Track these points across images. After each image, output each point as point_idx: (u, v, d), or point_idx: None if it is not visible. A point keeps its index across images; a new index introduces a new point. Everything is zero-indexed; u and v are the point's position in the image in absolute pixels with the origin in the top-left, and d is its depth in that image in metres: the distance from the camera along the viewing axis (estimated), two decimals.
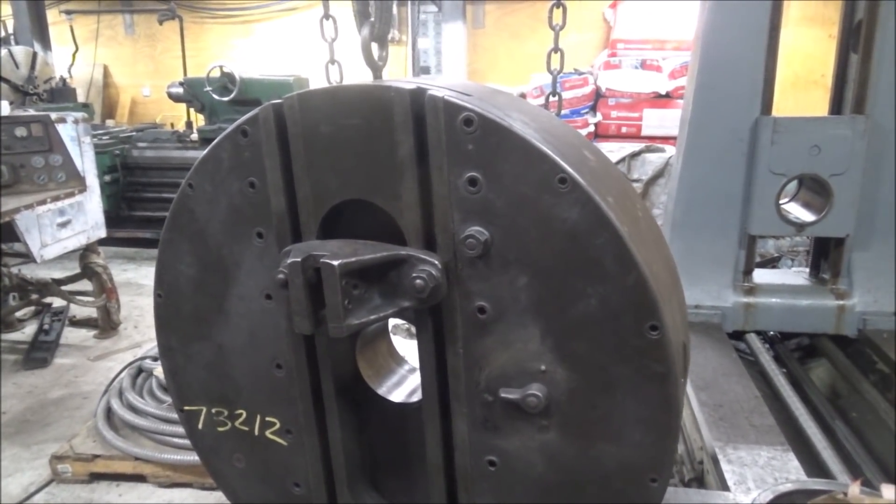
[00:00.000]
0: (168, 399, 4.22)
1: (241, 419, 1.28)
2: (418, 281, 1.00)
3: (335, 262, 0.96)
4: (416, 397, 1.25)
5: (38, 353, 5.80)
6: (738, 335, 3.61)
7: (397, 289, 1.03)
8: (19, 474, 4.27)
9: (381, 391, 1.26)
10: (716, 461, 2.37)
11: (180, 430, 3.94)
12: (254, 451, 1.30)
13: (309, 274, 1.01)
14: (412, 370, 1.34)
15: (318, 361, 1.19)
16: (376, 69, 1.30)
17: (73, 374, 5.59)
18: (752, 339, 3.59)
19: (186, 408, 1.32)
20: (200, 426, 1.32)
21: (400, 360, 1.34)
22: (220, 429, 1.30)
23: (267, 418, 1.25)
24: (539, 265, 1.00)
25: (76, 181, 5.49)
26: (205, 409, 1.31)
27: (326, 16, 1.59)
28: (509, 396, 1.04)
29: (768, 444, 2.45)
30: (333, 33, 1.61)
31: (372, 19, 1.36)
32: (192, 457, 3.92)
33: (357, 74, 1.32)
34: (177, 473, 3.99)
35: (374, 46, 1.40)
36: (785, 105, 3.35)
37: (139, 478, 4.06)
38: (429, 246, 1.05)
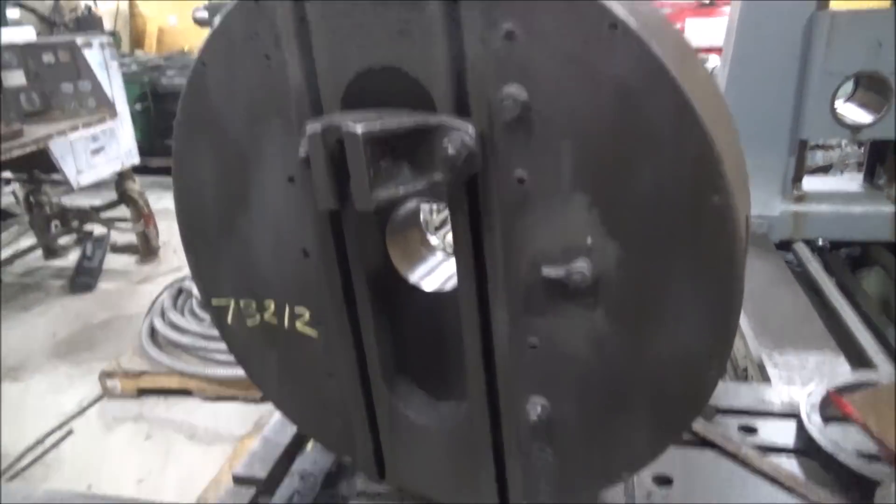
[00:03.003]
0: (208, 317, 4.30)
1: (269, 311, 1.23)
2: (450, 150, 0.91)
3: (358, 129, 0.88)
4: (451, 285, 1.18)
5: (83, 278, 5.96)
6: (785, 247, 3.48)
7: (428, 161, 0.95)
8: (73, 391, 4.45)
9: (414, 279, 1.20)
10: (762, 367, 2.29)
11: (221, 346, 4.03)
12: (285, 343, 1.26)
13: (331, 146, 0.92)
14: (446, 258, 1.27)
15: (347, 247, 1.12)
16: None
17: (118, 298, 5.75)
18: (801, 248, 3.46)
19: (214, 302, 1.29)
20: (230, 320, 1.28)
21: (432, 249, 1.27)
22: (250, 322, 1.26)
23: (296, 309, 1.21)
24: (586, 129, 0.90)
25: (106, 107, 5.48)
26: (233, 303, 1.26)
27: None
28: (552, 274, 0.96)
29: (817, 349, 2.36)
30: None
31: None
32: (235, 371, 4.02)
33: None
34: (221, 387, 4.11)
35: None
36: (836, 4, 3.10)
37: (185, 392, 4.20)
38: (462, 113, 0.95)
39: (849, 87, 3.33)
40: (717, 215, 0.88)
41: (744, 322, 2.58)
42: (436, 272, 1.23)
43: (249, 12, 1.05)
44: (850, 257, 3.60)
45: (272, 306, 1.22)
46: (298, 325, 1.21)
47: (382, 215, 1.18)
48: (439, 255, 1.27)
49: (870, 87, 3.28)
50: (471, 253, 1.04)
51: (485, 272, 1.04)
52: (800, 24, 3.09)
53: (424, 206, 5.78)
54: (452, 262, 1.13)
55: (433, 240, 1.17)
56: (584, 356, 1.02)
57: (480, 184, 0.98)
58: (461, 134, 0.92)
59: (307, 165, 0.97)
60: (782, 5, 3.10)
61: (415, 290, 1.20)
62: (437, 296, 1.19)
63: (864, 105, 3.33)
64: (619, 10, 0.85)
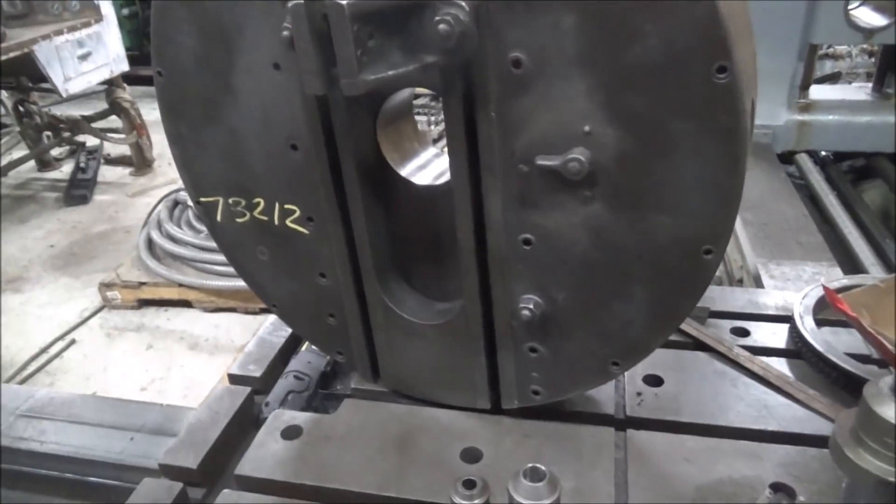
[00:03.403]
0: (205, 229, 4.28)
1: (259, 208, 1.20)
2: (442, 26, 0.85)
3: (343, 1, 0.82)
4: (444, 180, 1.15)
5: (78, 190, 5.90)
6: (787, 159, 3.42)
7: (420, 41, 0.89)
8: (73, 302, 4.48)
9: (406, 173, 1.16)
10: (757, 279, 2.29)
11: (219, 258, 4.02)
12: (276, 242, 1.23)
13: (316, 22, 0.86)
14: (439, 154, 1.22)
15: (337, 139, 1.08)
16: None
17: (114, 210, 5.71)
18: (803, 159, 3.40)
19: (203, 199, 1.25)
20: (219, 218, 1.25)
21: (426, 143, 1.23)
22: (240, 220, 1.23)
23: (286, 206, 1.17)
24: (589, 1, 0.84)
25: (91, 10, 5.25)
26: (221, 200, 1.23)
27: None
28: (547, 163, 0.92)
29: (814, 261, 2.35)
30: None
31: None
32: (234, 283, 4.03)
33: None
34: (221, 299, 4.13)
35: None
36: None
37: (185, 303, 4.23)
38: None
39: None
40: (721, 91, 0.83)
41: (741, 233, 2.56)
42: (429, 167, 1.19)
43: None
44: (852, 169, 3.55)
45: (261, 203, 1.19)
46: (289, 222, 1.19)
47: (373, 104, 1.12)
48: (432, 149, 1.22)
49: None
50: (465, 143, 0.99)
51: (479, 164, 1.01)
52: None
53: (421, 119, 5.64)
54: (446, 158, 1.09)
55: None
56: (581, 249, 1.00)
57: (475, 66, 0.92)
58: (455, 10, 0.86)
59: (291, 47, 0.91)
60: None
61: (408, 186, 1.16)
62: (431, 193, 1.15)
63: (878, 9, 3.20)
64: None
